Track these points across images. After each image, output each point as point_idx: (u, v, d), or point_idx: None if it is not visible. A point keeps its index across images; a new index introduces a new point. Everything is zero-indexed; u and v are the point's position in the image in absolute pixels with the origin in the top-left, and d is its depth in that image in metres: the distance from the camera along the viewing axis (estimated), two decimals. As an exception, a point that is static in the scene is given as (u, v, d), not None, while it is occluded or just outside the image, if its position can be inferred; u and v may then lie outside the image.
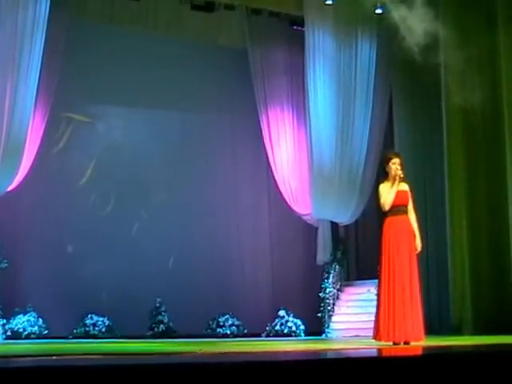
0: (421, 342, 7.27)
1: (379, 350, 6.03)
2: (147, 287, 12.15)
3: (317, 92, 12.05)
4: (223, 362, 4.56)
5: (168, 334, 11.88)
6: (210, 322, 12.24)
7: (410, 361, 4.53)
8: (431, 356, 5.02)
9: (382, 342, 7.26)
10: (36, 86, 10.27)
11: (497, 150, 10.34)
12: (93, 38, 12.11)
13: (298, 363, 4.40)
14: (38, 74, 10.25)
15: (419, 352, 5.87)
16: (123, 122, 12.83)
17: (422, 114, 11.89)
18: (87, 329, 11.46)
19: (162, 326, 11.98)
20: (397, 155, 7.69)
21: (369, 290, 11.70)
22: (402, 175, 7.46)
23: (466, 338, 9.47)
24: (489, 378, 4.45)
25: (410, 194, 7.56)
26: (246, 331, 12.26)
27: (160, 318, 12.04)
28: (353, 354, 5.50)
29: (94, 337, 11.29)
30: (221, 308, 12.40)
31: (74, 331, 11.42)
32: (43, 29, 10.21)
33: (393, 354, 5.60)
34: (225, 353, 6.19)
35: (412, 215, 7.55)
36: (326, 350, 6.61)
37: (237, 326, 12.26)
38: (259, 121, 12.79)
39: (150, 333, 11.91)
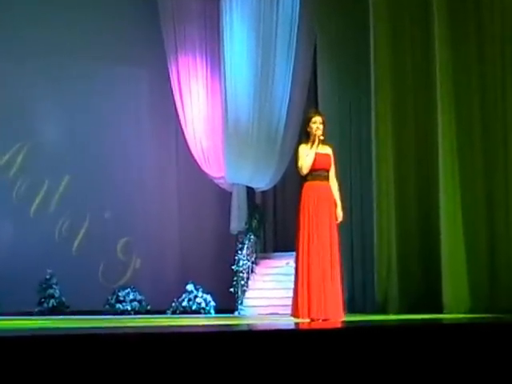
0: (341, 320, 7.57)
1: (296, 324, 6.34)
2: (35, 256, 12.15)
3: (233, 41, 12.21)
4: (118, 333, 4.71)
5: (59, 309, 11.96)
6: (109, 297, 12.37)
7: (329, 334, 4.83)
8: (351, 329, 5.33)
9: (300, 320, 7.51)
10: None
11: (427, 110, 10.68)
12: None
13: (207, 336, 4.61)
14: None
15: (338, 325, 6.19)
16: (18, 72, 12.66)
17: (350, 69, 12.10)
18: (-35, 304, 11.39)
19: (52, 300, 12.02)
20: (318, 114, 7.87)
21: (288, 263, 11.92)
22: (321, 136, 7.67)
23: (391, 316, 9.88)
24: (409, 350, 4.81)
25: (332, 158, 7.76)
26: (149, 307, 12.45)
27: (50, 291, 12.08)
28: (266, 326, 5.76)
29: (-27, 313, 11.23)
30: (121, 280, 12.53)
31: (-50, 306, 11.35)
32: None
33: (311, 327, 5.90)
34: (123, 327, 6.35)
35: (333, 182, 7.76)
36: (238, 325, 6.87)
37: (139, 302, 12.41)
38: (168, 71, 12.86)
39: (38, 309, 11.94)
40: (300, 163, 7.66)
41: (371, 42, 11.06)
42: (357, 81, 11.98)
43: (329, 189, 7.70)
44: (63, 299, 12.09)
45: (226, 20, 12.20)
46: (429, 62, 10.53)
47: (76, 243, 12.83)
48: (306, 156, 7.61)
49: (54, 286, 12.10)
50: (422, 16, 10.71)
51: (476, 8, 10.27)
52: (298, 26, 12.36)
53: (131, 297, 12.38)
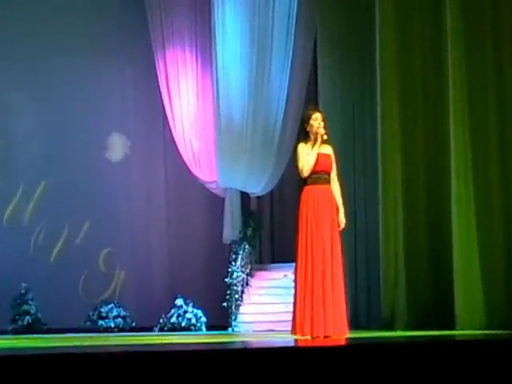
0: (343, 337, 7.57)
1: (295, 341, 6.34)
2: (9, 269, 12.13)
3: (226, 35, 12.24)
4: (100, 353, 4.70)
5: (36, 327, 11.96)
6: (90, 313, 12.36)
7: (331, 352, 4.83)
8: (355, 347, 5.33)
9: (300, 337, 7.50)
10: None
11: (438, 111, 10.68)
12: None
13: (198, 355, 4.60)
14: None
15: (341, 343, 6.19)
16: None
17: (353, 66, 12.11)
18: None
19: (27, 317, 12.03)
20: (318, 110, 7.92)
21: (286, 275, 11.96)
22: (324, 134, 7.67)
23: (398, 332, 9.89)
24: (418, 370, 4.81)
25: (333, 158, 7.78)
26: (134, 324, 12.45)
27: (26, 307, 12.08)
28: (263, 344, 5.76)
29: None
30: (104, 295, 12.50)
31: None
32: None
33: (311, 344, 5.90)
34: (105, 346, 6.36)
35: (335, 185, 7.77)
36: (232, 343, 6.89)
37: (123, 318, 12.42)
38: (155, 67, 12.89)
39: (12, 327, 11.94)
40: (301, 164, 7.64)
41: (377, 36, 11.07)
42: (361, 78, 11.99)
43: (330, 193, 7.70)
44: (40, 316, 12.09)
45: (217, 13, 12.22)
46: (440, 59, 10.54)
47: (54, 254, 12.81)
48: (307, 156, 7.60)
49: (29, 302, 12.10)
50: (433, 10, 10.74)
51: (493, 5, 10.30)
52: (297, 19, 12.36)
53: (115, 313, 12.38)
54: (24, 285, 12.11)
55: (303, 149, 7.69)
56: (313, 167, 7.61)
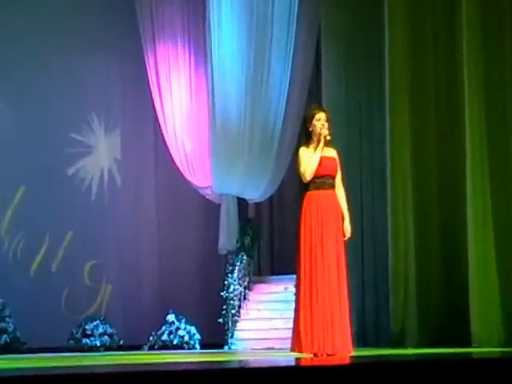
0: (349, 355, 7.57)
1: (297, 360, 6.35)
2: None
3: (221, 29, 12.25)
4: (85, 374, 4.69)
5: (14, 347, 11.94)
6: (74, 331, 12.35)
7: (335, 371, 4.82)
8: (362, 366, 5.33)
9: (303, 355, 7.50)
10: None
11: (452, 108, 10.72)
12: None
13: (192, 375, 4.59)
14: None
15: (346, 361, 6.19)
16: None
17: (359, 61, 12.15)
18: None
19: (4, 336, 12.02)
20: (321, 109, 7.91)
21: (286, 289, 11.99)
22: (328, 136, 7.66)
23: (409, 350, 9.90)
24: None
25: (338, 162, 7.78)
26: (122, 342, 12.44)
27: (2, 325, 12.07)
28: (261, 363, 5.76)
29: None
30: (89, 311, 12.46)
31: None
32: None
33: (314, 363, 5.89)
34: (91, 366, 6.35)
35: (340, 190, 7.76)
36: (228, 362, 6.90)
37: (110, 336, 12.41)
38: (144, 62, 12.89)
39: (-13, 346, 11.95)
40: (303, 167, 7.63)
41: (386, 32, 11.13)
42: (367, 75, 12.04)
43: (335, 199, 7.69)
44: (18, 334, 12.07)
45: (212, 4, 12.23)
46: (455, 57, 10.59)
47: (34, 266, 12.80)
48: (309, 159, 7.60)
49: (6, 319, 12.09)
50: (447, 5, 10.78)
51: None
52: (299, 12, 12.37)
53: (101, 330, 12.38)
54: (0, 300, 12.08)
55: (305, 152, 7.70)
56: (316, 171, 7.61)
